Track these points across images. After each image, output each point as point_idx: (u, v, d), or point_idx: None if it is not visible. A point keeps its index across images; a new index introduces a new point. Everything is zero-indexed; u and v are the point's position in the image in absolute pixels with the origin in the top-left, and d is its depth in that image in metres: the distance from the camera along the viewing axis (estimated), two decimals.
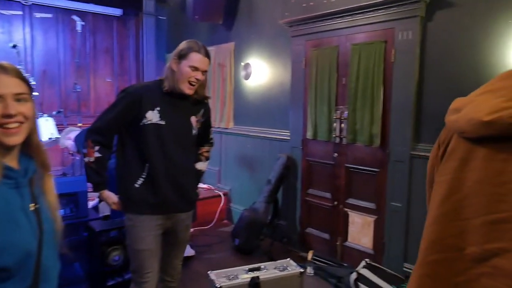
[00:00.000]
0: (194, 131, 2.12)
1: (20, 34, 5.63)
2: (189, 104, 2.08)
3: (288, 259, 2.92)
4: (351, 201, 3.57)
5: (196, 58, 1.96)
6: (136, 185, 1.98)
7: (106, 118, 2.02)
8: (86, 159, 2.00)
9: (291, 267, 2.79)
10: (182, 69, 1.95)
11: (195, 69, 1.96)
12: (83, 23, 5.88)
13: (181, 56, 1.97)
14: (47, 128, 4.53)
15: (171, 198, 2.03)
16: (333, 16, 3.61)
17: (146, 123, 1.95)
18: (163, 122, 1.98)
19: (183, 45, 2.01)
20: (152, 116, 1.97)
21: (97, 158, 2.00)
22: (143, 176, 1.98)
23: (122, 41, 6.62)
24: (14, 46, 4.34)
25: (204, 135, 2.28)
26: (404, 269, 3.14)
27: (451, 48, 2.91)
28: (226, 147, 5.10)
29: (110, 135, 2.04)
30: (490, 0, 2.70)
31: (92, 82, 6.33)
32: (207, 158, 2.35)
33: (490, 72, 2.71)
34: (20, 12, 5.63)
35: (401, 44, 3.13)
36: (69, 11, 5.95)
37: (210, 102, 5.20)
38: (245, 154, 4.79)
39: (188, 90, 1.98)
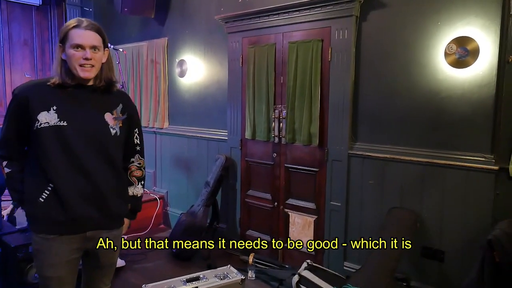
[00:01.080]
0: (113, 130, 1.76)
1: None
2: (97, 97, 1.73)
3: (229, 266, 2.80)
4: (291, 201, 3.52)
5: (75, 35, 1.63)
6: (41, 200, 1.65)
7: (3, 129, 1.72)
8: (3, 177, 1.75)
9: (232, 274, 2.67)
10: (67, 53, 1.64)
11: (80, 47, 1.63)
12: None
13: (62, 40, 1.66)
14: None
15: (85, 214, 1.69)
16: (269, 13, 3.52)
17: (40, 127, 1.63)
18: (64, 123, 1.64)
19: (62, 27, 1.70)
20: (49, 118, 1.63)
21: (7, 174, 1.72)
22: (49, 189, 1.65)
23: (42, 33, 6.03)
24: None
25: (127, 141, 1.88)
26: (345, 268, 3.16)
27: (384, 48, 2.96)
28: (161, 148, 4.85)
29: (13, 146, 1.73)
30: (420, 1, 2.78)
31: (8, 77, 5.70)
32: (139, 179, 1.94)
33: (421, 72, 2.79)
34: None
35: (338, 43, 3.13)
36: None
37: (143, 100, 4.96)
38: (181, 155, 4.58)
39: (83, 73, 1.64)
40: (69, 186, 1.66)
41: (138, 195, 1.95)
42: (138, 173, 1.94)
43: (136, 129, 1.93)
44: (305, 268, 2.98)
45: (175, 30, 4.60)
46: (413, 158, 2.82)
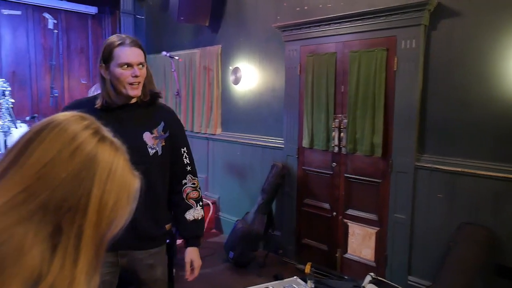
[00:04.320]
0: (152, 150, 1.68)
1: None
2: (140, 115, 1.68)
3: (295, 277, 2.80)
4: (351, 212, 3.48)
5: (122, 53, 1.58)
6: None
7: None
8: None
9: (300, 286, 2.67)
10: (114, 73, 1.59)
11: (128, 65, 1.58)
12: (55, 21, 5.52)
13: (106, 59, 1.60)
14: None
15: (116, 235, 1.64)
16: (330, 22, 3.50)
17: None
18: None
19: (103, 46, 1.64)
20: None
21: None
22: None
23: (97, 40, 6.27)
24: None
25: (176, 161, 1.78)
26: (409, 282, 3.10)
27: (456, 57, 2.87)
28: (214, 154, 4.92)
29: None
30: (496, 10, 2.68)
31: (66, 83, 5.96)
32: (197, 201, 1.82)
33: (497, 82, 2.68)
34: None
35: (404, 52, 3.07)
36: (39, 8, 5.56)
37: (196, 107, 5.04)
38: (234, 162, 4.63)
39: (132, 91, 1.61)
40: None
41: (199, 218, 1.83)
42: (194, 194, 1.83)
43: (184, 148, 1.83)
44: (370, 282, 2.93)
45: (229, 37, 4.66)
46: (488, 172, 2.72)
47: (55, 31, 4.74)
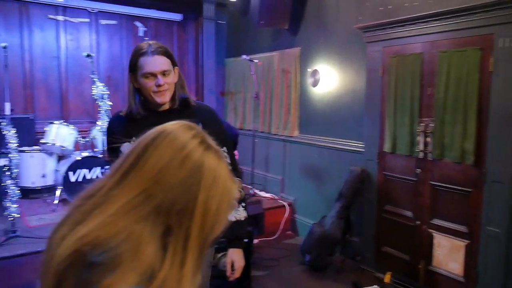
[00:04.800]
0: None
1: (87, 41, 5.77)
2: (174, 120, 1.71)
3: (375, 286, 2.72)
4: (436, 221, 3.28)
5: (145, 63, 1.59)
6: None
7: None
8: None
9: None
10: (140, 82, 1.61)
11: (151, 75, 1.60)
12: (145, 28, 5.92)
13: (133, 68, 1.64)
14: None
15: None
16: (417, 21, 3.33)
17: None
18: None
19: (131, 55, 1.66)
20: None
21: None
22: None
23: (181, 45, 6.63)
24: (88, 56, 4.36)
25: None
26: None
27: None
28: (290, 156, 4.94)
29: None
30: None
31: None
32: (239, 202, 1.77)
33: None
34: (87, 20, 5.76)
35: (502, 52, 2.82)
36: (132, 17, 6.02)
37: (273, 109, 5.10)
38: (311, 164, 4.61)
39: (159, 98, 1.62)
40: None
41: (242, 219, 1.79)
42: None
43: (224, 148, 1.74)
44: None
45: (308, 40, 4.64)
46: None
47: (145, 38, 5.09)
